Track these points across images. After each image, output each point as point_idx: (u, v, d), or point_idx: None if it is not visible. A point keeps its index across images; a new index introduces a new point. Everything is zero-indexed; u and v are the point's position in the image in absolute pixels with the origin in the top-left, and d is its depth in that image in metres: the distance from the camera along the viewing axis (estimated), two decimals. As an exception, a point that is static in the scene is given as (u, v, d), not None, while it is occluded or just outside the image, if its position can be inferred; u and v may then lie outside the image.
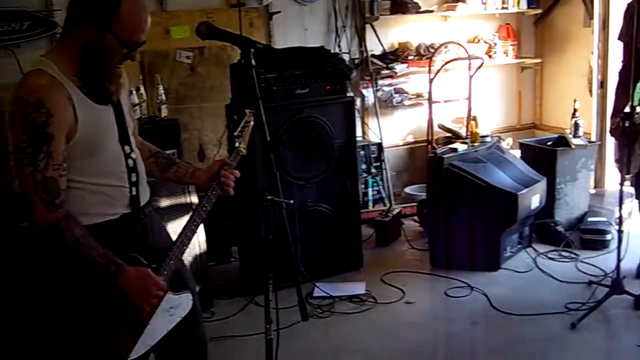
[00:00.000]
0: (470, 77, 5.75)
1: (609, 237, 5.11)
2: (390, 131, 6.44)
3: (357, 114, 5.52)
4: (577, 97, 5.72)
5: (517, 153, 5.69)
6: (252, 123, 2.62)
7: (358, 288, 4.65)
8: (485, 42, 6.63)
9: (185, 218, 4.01)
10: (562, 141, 5.51)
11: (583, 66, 6.41)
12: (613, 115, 4.45)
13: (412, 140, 6.61)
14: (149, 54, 5.26)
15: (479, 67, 5.74)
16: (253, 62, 2.38)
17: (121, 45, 2.21)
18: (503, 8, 6.55)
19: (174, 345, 2.49)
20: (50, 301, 2.33)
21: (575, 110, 5.56)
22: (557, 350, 3.79)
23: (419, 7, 6.20)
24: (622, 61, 4.49)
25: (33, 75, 2.16)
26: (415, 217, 5.90)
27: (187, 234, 2.39)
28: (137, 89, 4.90)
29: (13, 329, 3.50)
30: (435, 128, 6.11)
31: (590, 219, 5.36)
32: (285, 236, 2.53)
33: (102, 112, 2.28)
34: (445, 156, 4.91)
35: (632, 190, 4.91)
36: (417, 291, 4.66)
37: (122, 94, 2.38)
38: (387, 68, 6.20)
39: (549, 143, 5.61)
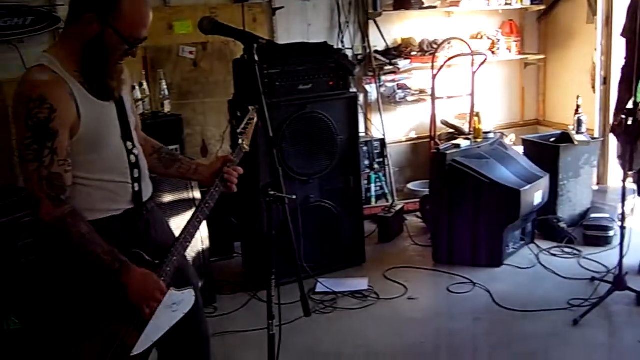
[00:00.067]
0: (474, 73, 5.75)
1: (611, 233, 5.10)
2: (393, 127, 6.43)
3: (360, 110, 5.53)
4: (580, 94, 5.72)
5: (520, 149, 5.69)
6: (255, 120, 2.62)
7: (361, 284, 4.65)
8: (489, 38, 6.61)
9: (188, 213, 4.05)
10: (565, 137, 5.51)
11: (586, 62, 6.40)
12: (616, 112, 4.44)
13: (415, 136, 6.60)
14: (152, 49, 5.26)
15: (482, 63, 5.73)
16: (256, 58, 2.37)
17: (122, 41, 2.21)
18: (506, 4, 6.52)
19: (177, 341, 2.50)
20: (54, 296, 2.34)
21: (578, 106, 5.56)
22: (560, 346, 3.79)
23: (422, 3, 6.19)
24: (625, 57, 4.49)
25: (35, 71, 2.16)
26: (418, 213, 5.90)
27: (190, 230, 2.39)
28: (140, 84, 4.90)
29: (17, 324, 3.51)
30: (438, 124, 6.09)
31: (592, 216, 5.36)
32: (287, 232, 2.53)
33: (104, 108, 2.28)
34: (448, 152, 4.91)
35: (634, 186, 4.91)
36: (420, 287, 4.66)
37: (123, 90, 2.38)
38: (390, 64, 6.19)
39: (552, 139, 5.62)
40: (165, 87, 5.07)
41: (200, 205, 2.43)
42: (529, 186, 4.81)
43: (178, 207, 4.16)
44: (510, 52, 6.71)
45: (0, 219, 3.59)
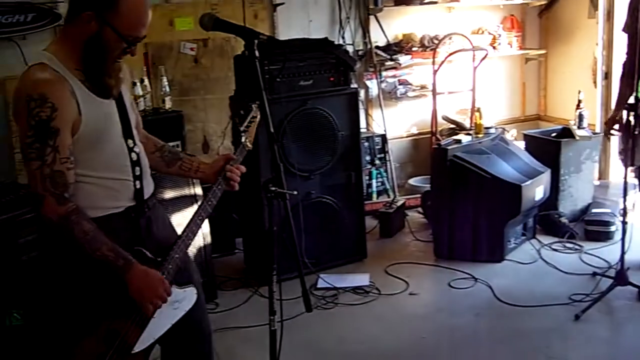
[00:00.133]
0: (475, 68, 5.74)
1: (613, 228, 5.11)
2: (394, 123, 6.43)
3: (361, 106, 5.52)
4: (582, 89, 5.71)
5: (522, 144, 5.69)
6: (258, 118, 2.62)
7: (362, 279, 4.66)
8: (490, 34, 6.60)
9: (189, 209, 4.06)
10: (566, 132, 5.50)
11: (587, 57, 6.39)
12: (617, 107, 4.43)
13: (416, 131, 6.60)
14: (152, 46, 5.26)
15: (483, 59, 5.72)
16: (257, 54, 2.37)
17: (120, 40, 2.20)
18: (507, -1, 6.53)
19: (178, 337, 2.51)
20: (56, 293, 2.34)
21: (579, 101, 5.55)
22: (561, 341, 3.80)
23: (423, -1, 6.19)
24: (627, 53, 4.47)
25: (36, 69, 2.16)
26: (419, 209, 5.90)
27: (192, 228, 2.39)
28: (141, 81, 4.89)
29: (19, 320, 3.52)
30: (439, 119, 6.09)
31: (594, 211, 5.36)
32: (289, 228, 2.53)
33: (104, 105, 2.28)
34: (449, 148, 4.91)
35: (636, 181, 4.91)
36: (421, 283, 4.67)
37: (123, 88, 2.37)
38: (391, 59, 6.18)
39: (553, 134, 5.61)
40: (166, 83, 5.06)
41: (203, 204, 2.44)
42: (530, 181, 4.81)
43: (179, 203, 4.16)
44: (511, 47, 6.70)
45: (1, 216, 3.60)
